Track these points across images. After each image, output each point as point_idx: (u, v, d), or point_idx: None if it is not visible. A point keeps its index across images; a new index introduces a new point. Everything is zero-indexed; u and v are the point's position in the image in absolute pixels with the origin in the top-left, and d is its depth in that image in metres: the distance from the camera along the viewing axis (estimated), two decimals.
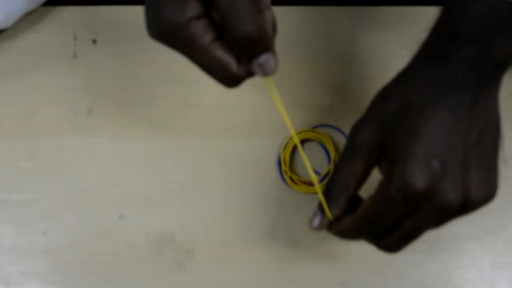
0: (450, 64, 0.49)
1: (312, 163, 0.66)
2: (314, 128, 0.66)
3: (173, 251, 0.63)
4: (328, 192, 0.54)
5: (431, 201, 0.48)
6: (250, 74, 0.49)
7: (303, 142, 0.66)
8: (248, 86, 0.66)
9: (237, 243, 0.63)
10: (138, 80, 0.67)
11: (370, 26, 0.69)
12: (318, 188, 0.54)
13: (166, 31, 0.47)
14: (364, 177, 0.53)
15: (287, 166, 0.64)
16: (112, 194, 0.64)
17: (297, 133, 0.65)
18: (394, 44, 0.68)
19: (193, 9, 0.46)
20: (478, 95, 0.49)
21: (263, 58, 0.47)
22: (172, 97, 0.67)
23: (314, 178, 0.55)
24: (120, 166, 0.65)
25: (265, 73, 0.48)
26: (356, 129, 0.53)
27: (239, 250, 0.63)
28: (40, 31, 0.68)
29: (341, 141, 0.66)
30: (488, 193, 0.50)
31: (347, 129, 0.65)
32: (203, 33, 0.47)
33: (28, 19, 0.68)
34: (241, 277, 0.62)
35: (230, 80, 0.49)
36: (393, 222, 0.50)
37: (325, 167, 0.65)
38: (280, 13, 0.68)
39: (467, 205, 0.49)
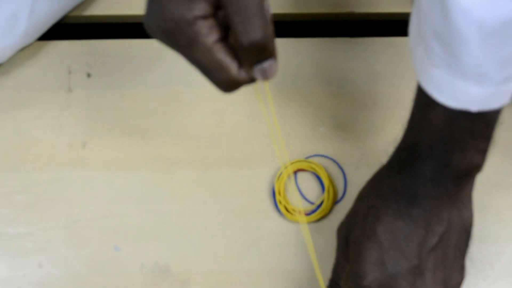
0: (411, 178, 0.51)
1: (306, 193, 0.66)
2: (308, 158, 0.66)
3: (169, 282, 0.62)
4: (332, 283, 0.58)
5: None
6: (249, 80, 0.48)
7: (297, 172, 0.66)
8: (242, 116, 0.67)
9: (232, 273, 0.63)
10: (132, 113, 0.67)
11: (362, 56, 0.70)
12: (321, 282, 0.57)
13: (169, 27, 0.45)
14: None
15: (282, 196, 0.65)
16: (107, 226, 0.64)
17: (291, 163, 0.65)
18: (386, 74, 0.69)
19: (201, 8, 0.44)
20: (439, 204, 0.51)
21: (267, 63, 0.46)
22: (166, 129, 0.67)
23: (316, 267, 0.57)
24: (115, 198, 0.65)
25: (267, 78, 0.47)
26: (339, 227, 0.57)
27: (234, 280, 0.63)
28: (34, 66, 0.68)
29: (335, 170, 0.66)
30: None
31: (340, 159, 0.66)
32: (207, 33, 0.45)
33: (23, 53, 0.68)
34: None
35: (228, 84, 0.48)
36: None
37: (319, 196, 0.66)
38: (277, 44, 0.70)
39: None
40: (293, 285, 0.63)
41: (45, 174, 0.65)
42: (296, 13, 0.71)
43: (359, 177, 0.65)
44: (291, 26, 0.72)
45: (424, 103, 0.48)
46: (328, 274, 0.59)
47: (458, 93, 0.46)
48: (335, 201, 0.65)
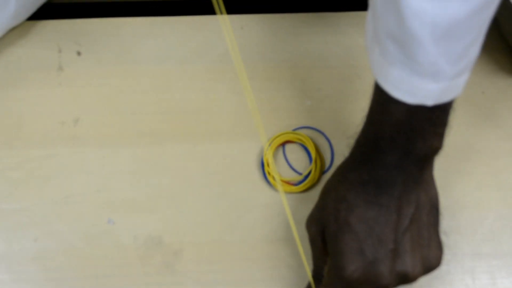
0: (375, 169, 0.53)
1: (294, 164, 0.67)
2: (295, 130, 0.68)
3: (161, 253, 0.64)
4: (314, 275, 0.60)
5: (368, 285, 0.54)
6: None
7: (284, 143, 0.67)
8: (229, 92, 0.69)
9: (223, 243, 0.64)
10: (122, 90, 0.69)
11: (346, 31, 0.71)
12: (309, 274, 0.59)
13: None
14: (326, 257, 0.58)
15: (270, 167, 0.66)
16: (100, 200, 0.65)
17: (279, 135, 0.67)
18: None
19: None
20: (406, 188, 0.53)
21: None
22: (156, 105, 0.68)
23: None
24: (108, 173, 0.66)
25: None
26: (307, 222, 0.59)
27: (225, 250, 0.64)
28: (25, 45, 0.69)
29: (322, 142, 0.67)
30: (427, 266, 0.55)
31: (326, 130, 0.68)
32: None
33: (13, 33, 0.69)
34: (228, 276, 0.63)
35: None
36: None
37: (307, 167, 0.67)
38: (260, 20, 0.71)
39: (405, 280, 0.54)
40: (283, 253, 0.64)
41: (38, 151, 0.66)
42: None
43: (345, 148, 0.65)
44: (275, 2, 0.74)
45: (383, 99, 0.50)
46: None
47: (415, 90, 0.48)
48: (323, 171, 0.66)
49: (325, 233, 0.56)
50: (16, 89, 0.68)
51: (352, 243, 0.53)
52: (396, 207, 0.53)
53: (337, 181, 0.56)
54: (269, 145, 0.66)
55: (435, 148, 0.52)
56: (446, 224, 0.66)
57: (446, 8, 0.44)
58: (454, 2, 0.44)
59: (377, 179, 0.53)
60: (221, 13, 0.51)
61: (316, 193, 0.66)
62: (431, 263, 0.55)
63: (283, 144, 0.67)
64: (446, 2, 0.44)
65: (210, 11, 0.70)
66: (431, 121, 0.50)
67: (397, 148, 0.51)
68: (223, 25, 0.64)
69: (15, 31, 0.69)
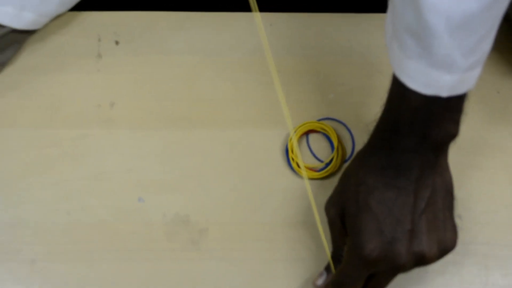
0: (393, 153, 0.56)
1: (316, 152, 0.70)
2: (318, 120, 0.71)
3: (188, 231, 0.66)
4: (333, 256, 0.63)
5: (386, 264, 0.56)
6: None
7: (308, 132, 0.70)
8: (256, 83, 0.72)
9: (247, 224, 0.67)
10: (156, 77, 0.72)
11: (368, 30, 0.74)
12: (329, 255, 0.62)
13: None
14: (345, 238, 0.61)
15: (294, 154, 0.69)
16: (132, 179, 0.68)
17: (303, 124, 0.70)
18: None
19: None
20: (423, 172, 0.56)
21: None
22: (187, 92, 0.72)
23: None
24: (139, 154, 0.69)
25: None
26: (327, 205, 0.62)
27: (248, 230, 0.67)
28: (67, 34, 0.73)
29: (343, 132, 0.70)
30: (442, 249, 0.57)
31: (348, 122, 0.71)
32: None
33: (56, 22, 0.73)
34: (250, 255, 0.66)
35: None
36: (360, 283, 0.58)
37: (329, 155, 0.70)
38: (287, 18, 0.75)
39: (422, 261, 0.57)
40: (302, 235, 0.67)
41: (75, 131, 0.70)
42: None
43: (365, 138, 0.68)
44: (302, 2, 0.78)
45: (402, 88, 0.53)
46: None
47: (431, 81, 0.51)
48: (344, 160, 0.69)
49: (344, 215, 0.58)
50: (57, 74, 0.72)
51: (371, 223, 0.56)
52: (413, 190, 0.56)
53: (356, 166, 0.59)
54: (294, 132, 0.69)
55: (451, 134, 0.55)
56: (459, 214, 0.68)
57: (460, 2, 0.48)
58: None
59: (395, 163, 0.56)
60: (255, 10, 0.55)
61: (337, 180, 0.68)
62: (446, 245, 0.57)
63: (307, 133, 0.70)
64: None
65: (240, 8, 0.74)
66: (447, 108, 0.53)
67: (414, 133, 0.54)
68: (257, 18, 0.67)
69: (58, 21, 0.73)
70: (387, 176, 0.56)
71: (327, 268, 0.63)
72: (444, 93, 0.51)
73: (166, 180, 0.68)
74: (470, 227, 0.67)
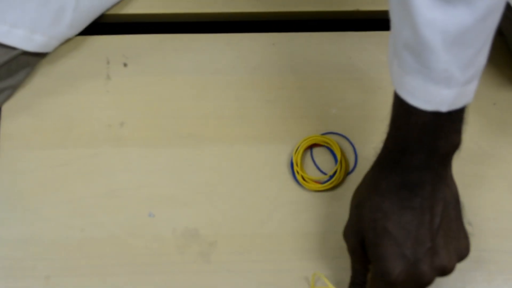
0: (405, 173, 0.56)
1: (320, 165, 0.72)
2: (322, 134, 0.73)
3: (198, 244, 0.68)
4: (351, 284, 0.64)
5: (412, 283, 0.57)
6: None
7: (312, 146, 0.72)
8: (260, 100, 0.74)
9: (255, 236, 0.68)
10: (163, 97, 0.74)
11: (368, 48, 0.76)
12: None
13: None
14: (366, 264, 0.62)
15: (299, 167, 0.70)
16: (142, 195, 0.70)
17: (307, 138, 0.71)
18: None
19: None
20: (434, 187, 0.57)
21: None
22: (194, 110, 0.73)
23: None
24: (149, 171, 0.71)
25: None
26: (345, 235, 0.62)
27: (256, 242, 0.68)
28: (77, 57, 0.75)
29: (346, 146, 0.72)
30: (459, 257, 0.59)
31: (350, 135, 0.72)
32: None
33: (66, 46, 0.75)
34: (259, 266, 0.67)
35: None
36: None
37: (333, 168, 0.71)
38: (291, 38, 0.77)
39: (444, 273, 0.58)
40: (309, 246, 0.68)
41: (87, 150, 0.71)
42: (308, 11, 0.78)
43: (368, 151, 0.69)
44: (304, 22, 0.80)
45: (407, 107, 0.53)
46: (340, 236, 0.64)
47: (430, 97, 0.52)
48: (347, 172, 0.71)
49: (365, 242, 0.59)
50: (68, 95, 0.74)
51: (392, 248, 0.56)
52: (428, 208, 0.57)
53: (369, 192, 0.59)
54: (298, 147, 0.71)
55: (456, 144, 0.56)
56: (469, 220, 0.69)
57: (454, 16, 0.49)
58: (462, 11, 0.49)
59: (408, 183, 0.56)
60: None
61: (341, 192, 0.71)
62: (462, 253, 0.59)
63: (310, 147, 0.72)
64: (454, 11, 0.49)
65: (242, 29, 0.77)
66: (451, 120, 0.54)
67: (424, 148, 0.55)
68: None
69: (68, 45, 0.75)
70: (402, 198, 0.57)
71: None
72: (444, 108, 0.52)
73: (175, 195, 0.70)
74: (471, 230, 0.68)
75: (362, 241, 0.59)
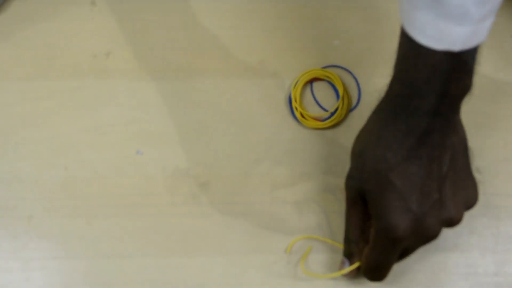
0: (412, 119, 0.51)
1: (321, 101, 0.66)
2: (323, 68, 0.67)
3: (189, 184, 0.63)
4: (346, 239, 0.60)
5: (418, 237, 0.54)
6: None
7: (312, 81, 0.66)
8: (258, 30, 0.68)
9: (249, 176, 0.63)
10: (153, 25, 0.68)
11: None
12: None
13: None
14: (365, 219, 0.58)
15: (298, 103, 0.65)
16: (130, 131, 0.64)
17: (307, 72, 0.65)
18: None
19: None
20: (442, 134, 0.52)
21: None
22: (186, 41, 0.67)
23: None
24: (137, 106, 0.65)
25: None
26: (346, 182, 0.58)
27: (251, 182, 0.63)
28: None
29: (349, 80, 0.66)
30: (467, 207, 0.55)
31: (354, 69, 0.67)
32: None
33: None
34: (252, 208, 0.63)
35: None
36: (395, 260, 0.56)
37: (334, 104, 0.66)
38: None
39: (451, 225, 0.54)
40: (307, 186, 0.63)
41: (70, 82, 0.65)
42: None
43: (372, 87, 0.65)
44: None
45: (417, 46, 0.48)
46: (340, 176, 0.60)
47: (441, 34, 0.47)
48: (350, 109, 0.65)
49: (366, 196, 0.55)
50: (49, 23, 0.67)
51: (397, 202, 0.52)
52: (435, 157, 0.52)
53: (371, 140, 0.54)
54: (297, 81, 0.65)
55: (468, 87, 0.51)
56: (477, 167, 0.65)
57: None
58: None
59: (415, 130, 0.51)
60: None
61: (342, 130, 0.65)
62: (470, 203, 0.55)
63: (310, 82, 0.66)
64: None
65: None
66: (464, 61, 0.49)
67: (433, 91, 0.50)
68: None
69: None
70: (407, 147, 0.52)
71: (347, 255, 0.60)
72: (457, 47, 0.47)
73: (165, 132, 0.64)
74: (480, 177, 0.63)
75: (363, 194, 0.55)
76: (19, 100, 0.65)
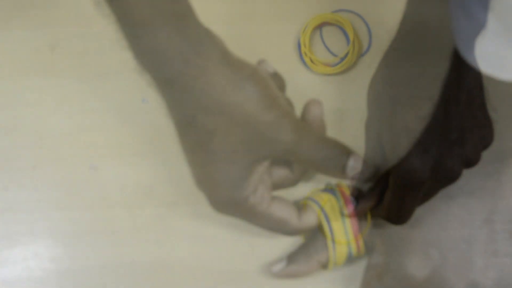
0: (425, 58, 0.50)
1: (331, 46, 0.64)
2: (333, 12, 0.64)
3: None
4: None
5: (438, 179, 0.51)
6: (311, 226, 0.55)
7: (321, 25, 0.64)
8: None
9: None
10: None
11: None
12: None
13: (230, 210, 0.52)
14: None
15: (307, 48, 0.63)
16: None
17: (316, 17, 0.63)
18: None
19: (248, 187, 0.51)
20: (458, 73, 0.49)
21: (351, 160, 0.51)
22: None
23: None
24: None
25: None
26: (366, 127, 0.57)
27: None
28: None
29: (360, 25, 0.64)
30: (484, 146, 0.53)
31: (365, 13, 0.64)
32: (260, 202, 0.52)
33: None
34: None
35: (293, 233, 0.55)
36: (416, 203, 0.54)
37: (344, 49, 0.63)
38: None
39: (469, 165, 0.52)
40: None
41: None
42: None
43: (384, 32, 0.62)
44: None
45: None
46: (349, 121, 0.58)
47: None
48: (360, 54, 0.63)
49: (383, 140, 0.53)
50: None
51: (414, 145, 0.50)
52: (450, 97, 0.50)
53: (384, 83, 0.53)
54: (306, 26, 0.63)
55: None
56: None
57: None
58: None
59: (428, 70, 0.50)
60: None
61: (352, 75, 0.63)
62: (487, 143, 0.53)
63: (320, 26, 0.64)
64: None
65: None
66: None
67: (447, 28, 0.47)
68: None
69: None
70: (421, 88, 0.50)
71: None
72: None
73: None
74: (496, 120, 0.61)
75: (380, 136, 0.54)
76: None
